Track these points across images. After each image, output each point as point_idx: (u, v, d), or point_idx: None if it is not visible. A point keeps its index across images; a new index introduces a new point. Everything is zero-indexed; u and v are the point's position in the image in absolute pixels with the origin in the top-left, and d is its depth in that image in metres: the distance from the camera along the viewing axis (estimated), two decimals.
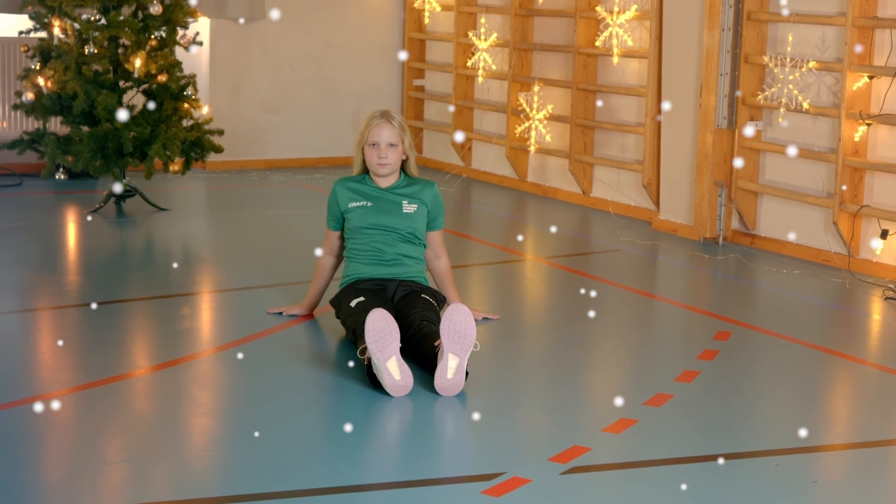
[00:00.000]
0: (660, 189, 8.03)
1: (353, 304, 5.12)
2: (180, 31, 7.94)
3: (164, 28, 7.84)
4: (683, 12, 7.70)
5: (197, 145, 7.89)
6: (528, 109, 8.99)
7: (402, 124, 5.36)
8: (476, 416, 4.53)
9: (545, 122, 8.90)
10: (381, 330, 4.58)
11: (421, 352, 4.85)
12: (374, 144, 5.33)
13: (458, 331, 4.62)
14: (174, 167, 7.85)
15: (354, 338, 5.04)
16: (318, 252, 5.48)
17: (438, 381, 4.62)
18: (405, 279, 5.31)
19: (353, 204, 5.38)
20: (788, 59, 7.10)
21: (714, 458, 4.11)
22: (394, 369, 4.58)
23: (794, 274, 6.81)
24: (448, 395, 4.63)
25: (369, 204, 5.37)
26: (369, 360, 4.65)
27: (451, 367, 4.62)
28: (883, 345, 5.69)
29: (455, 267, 6.15)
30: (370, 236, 5.34)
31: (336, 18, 10.14)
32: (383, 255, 5.33)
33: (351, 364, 4.91)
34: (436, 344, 4.77)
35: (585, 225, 8.17)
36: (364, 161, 5.41)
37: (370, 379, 4.67)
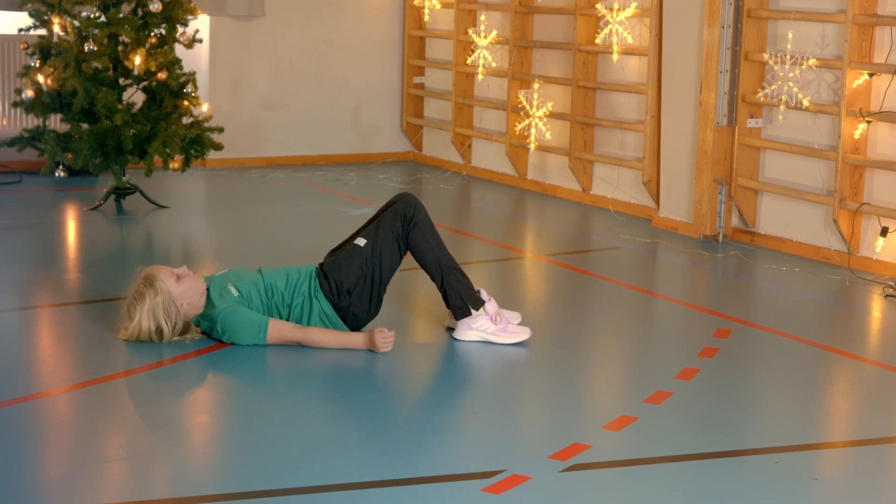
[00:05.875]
0: (660, 186, 8.03)
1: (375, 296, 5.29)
2: (180, 29, 7.93)
3: (163, 25, 7.83)
4: (683, 9, 7.69)
5: (197, 143, 7.89)
6: (527, 107, 8.99)
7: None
8: (476, 413, 4.53)
9: (545, 119, 8.90)
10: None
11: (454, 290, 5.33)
12: (178, 278, 5.11)
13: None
14: (174, 165, 7.85)
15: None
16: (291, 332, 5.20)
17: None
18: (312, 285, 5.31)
19: (235, 292, 5.20)
20: (788, 57, 7.10)
21: (714, 455, 4.11)
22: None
23: (794, 271, 6.81)
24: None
25: (237, 293, 5.20)
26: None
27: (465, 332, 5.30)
28: (883, 342, 5.69)
29: None
30: (276, 302, 5.26)
31: (336, 15, 10.14)
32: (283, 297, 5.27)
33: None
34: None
35: (585, 222, 8.17)
36: (177, 321, 5.14)
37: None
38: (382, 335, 5.10)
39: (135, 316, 5.10)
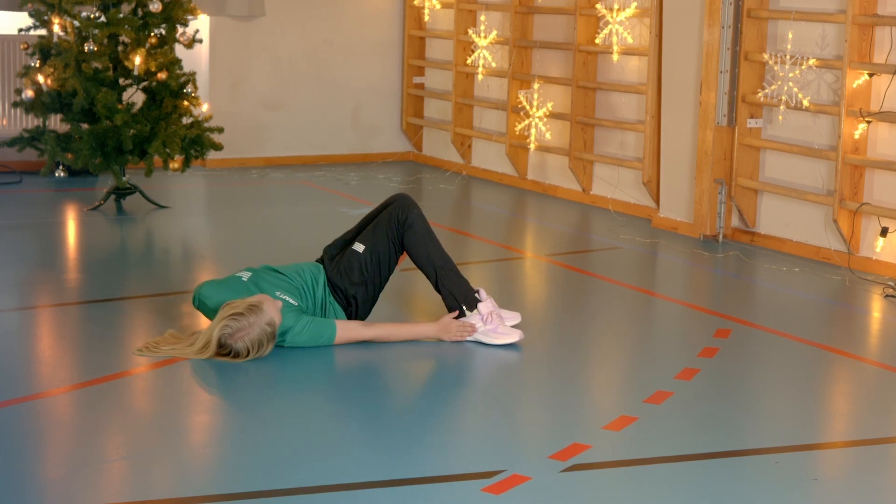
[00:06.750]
0: (660, 186, 8.03)
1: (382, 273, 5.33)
2: (180, 29, 7.93)
3: (163, 25, 7.84)
4: (683, 9, 7.69)
5: (197, 143, 7.89)
6: (527, 107, 8.99)
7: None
8: (476, 413, 4.53)
9: (545, 119, 8.90)
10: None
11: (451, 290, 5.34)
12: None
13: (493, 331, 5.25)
14: (174, 165, 7.85)
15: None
16: (363, 331, 5.21)
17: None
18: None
19: (293, 301, 5.16)
20: (788, 57, 7.10)
21: (714, 455, 4.11)
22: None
23: (794, 271, 6.81)
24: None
25: (294, 302, 5.15)
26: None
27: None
28: (883, 342, 5.69)
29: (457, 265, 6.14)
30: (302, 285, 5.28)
31: (336, 15, 10.14)
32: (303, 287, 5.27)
33: None
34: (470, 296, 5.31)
35: (585, 222, 8.17)
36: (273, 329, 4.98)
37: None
38: (460, 323, 5.24)
39: (249, 352, 4.91)
